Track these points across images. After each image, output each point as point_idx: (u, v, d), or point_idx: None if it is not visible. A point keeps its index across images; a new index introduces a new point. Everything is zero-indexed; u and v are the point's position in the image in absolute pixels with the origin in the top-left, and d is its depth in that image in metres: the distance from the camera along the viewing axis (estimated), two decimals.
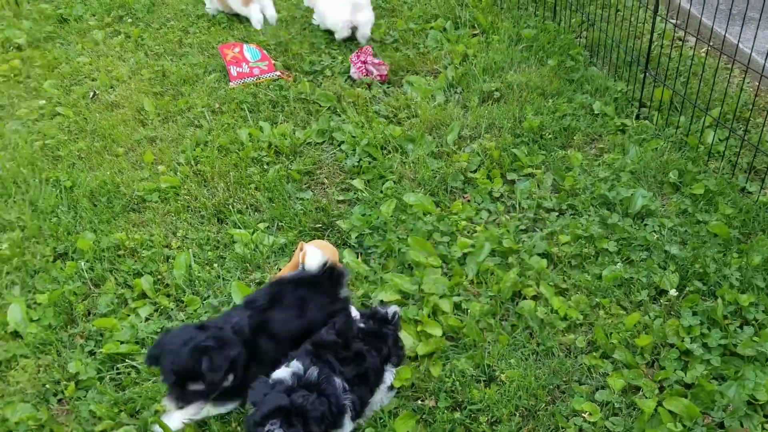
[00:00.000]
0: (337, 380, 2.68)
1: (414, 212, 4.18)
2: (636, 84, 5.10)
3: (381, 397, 3.04)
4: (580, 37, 6.06)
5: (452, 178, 4.46)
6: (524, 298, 3.60)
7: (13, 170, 4.75)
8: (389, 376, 3.03)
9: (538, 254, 3.83)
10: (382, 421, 3.01)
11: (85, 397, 3.27)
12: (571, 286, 3.66)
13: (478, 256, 3.83)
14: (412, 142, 4.82)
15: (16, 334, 3.59)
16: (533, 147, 4.72)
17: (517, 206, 4.23)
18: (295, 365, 2.68)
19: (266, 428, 2.41)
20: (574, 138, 4.79)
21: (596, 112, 5.03)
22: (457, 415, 3.03)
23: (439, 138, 4.89)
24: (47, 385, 3.32)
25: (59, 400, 3.30)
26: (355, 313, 3.11)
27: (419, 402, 3.13)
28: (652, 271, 3.68)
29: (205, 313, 3.69)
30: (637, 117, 4.98)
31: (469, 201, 4.31)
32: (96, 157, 4.91)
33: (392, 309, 3.21)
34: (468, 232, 4.07)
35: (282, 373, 2.66)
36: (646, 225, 4.00)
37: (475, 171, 4.54)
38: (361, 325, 3.00)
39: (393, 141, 4.84)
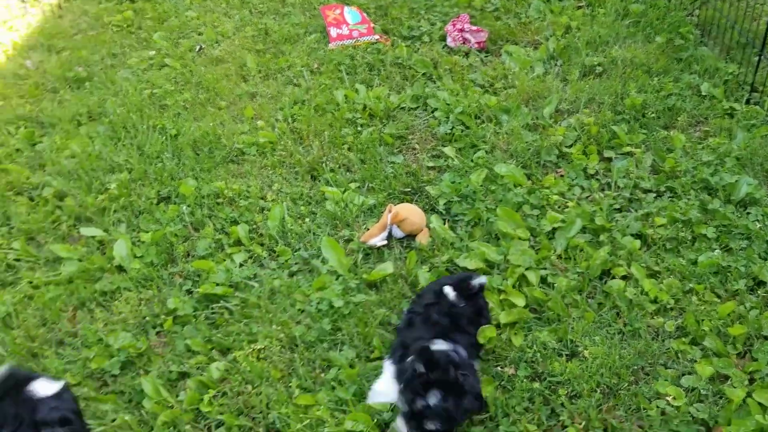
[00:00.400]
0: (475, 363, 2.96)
1: (504, 183, 4.16)
2: (749, 67, 4.84)
3: None
4: (692, 15, 5.78)
5: (546, 151, 4.39)
6: (613, 278, 3.54)
7: (123, 116, 5.01)
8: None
9: (632, 234, 3.74)
10: None
11: (181, 331, 3.47)
12: (664, 269, 3.57)
13: (568, 232, 3.78)
14: (507, 113, 4.77)
15: (120, 269, 3.84)
16: (634, 125, 4.58)
17: (613, 185, 4.13)
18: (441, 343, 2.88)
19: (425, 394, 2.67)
20: (678, 119, 4.61)
21: (704, 93, 4.81)
22: (536, 385, 3.04)
23: (536, 110, 4.81)
24: (147, 318, 3.55)
25: (157, 333, 3.51)
26: (449, 290, 3.17)
27: (498, 369, 3.16)
28: (752, 261, 3.54)
29: (296, 264, 3.83)
30: (747, 102, 4.73)
31: (562, 176, 4.25)
32: (200, 108, 5.11)
33: (481, 279, 3.24)
34: (559, 207, 4.02)
35: (443, 346, 2.85)
36: (748, 213, 3.83)
37: (570, 146, 4.46)
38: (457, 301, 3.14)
39: (487, 110, 4.81)
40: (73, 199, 4.31)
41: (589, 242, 3.74)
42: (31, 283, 3.79)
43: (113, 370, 3.29)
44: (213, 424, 3.06)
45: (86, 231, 4.08)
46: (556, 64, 5.31)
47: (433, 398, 2.67)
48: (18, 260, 3.97)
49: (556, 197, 4.03)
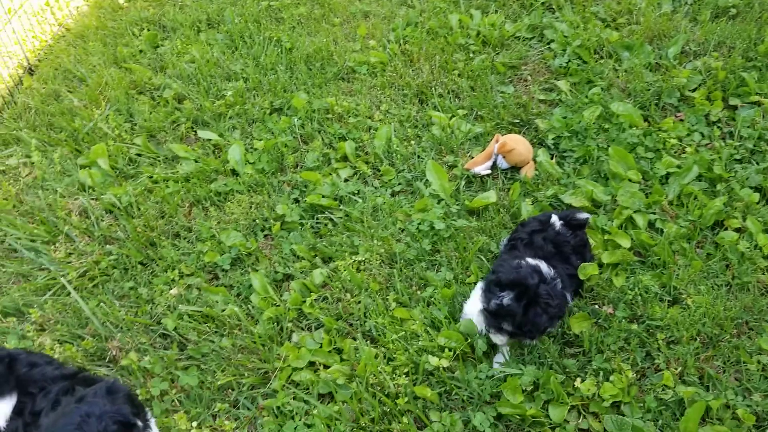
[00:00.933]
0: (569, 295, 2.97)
1: (619, 123, 4.02)
2: None
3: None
4: None
5: (667, 93, 4.20)
6: (726, 229, 3.42)
7: (241, 25, 5.12)
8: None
9: (751, 187, 3.58)
10: None
11: (287, 237, 3.62)
12: None
13: (682, 178, 3.65)
14: (628, 50, 4.56)
15: (234, 172, 4.01)
16: (765, 73, 4.29)
17: (735, 134, 3.92)
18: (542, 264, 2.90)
19: (500, 294, 2.74)
20: None
21: None
22: (633, 326, 3.03)
23: (659, 50, 4.58)
24: (257, 220, 3.72)
25: (265, 235, 3.69)
26: (556, 219, 3.17)
27: (596, 307, 3.15)
28: None
29: (399, 184, 3.89)
30: None
31: (681, 120, 4.06)
32: (314, 23, 5.15)
33: (584, 215, 3.21)
34: (675, 152, 3.87)
35: (534, 261, 2.89)
36: None
37: (694, 90, 4.24)
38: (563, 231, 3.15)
39: (608, 46, 4.61)
40: (191, 103, 4.49)
41: (704, 191, 3.60)
42: (151, 177, 4.03)
43: (224, 265, 3.49)
44: (313, 324, 3.23)
45: (203, 134, 4.26)
46: (686, 3, 4.99)
47: (506, 299, 2.73)
48: (139, 155, 4.21)
49: (673, 141, 3.88)
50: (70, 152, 4.27)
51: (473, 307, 3.02)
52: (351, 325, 3.21)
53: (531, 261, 2.88)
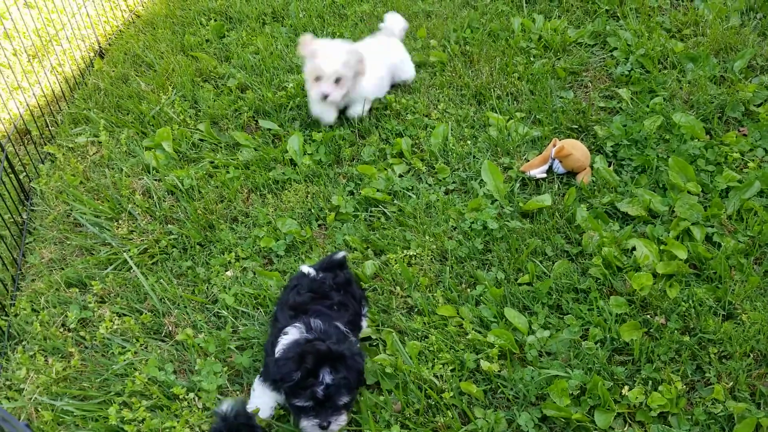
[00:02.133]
0: (339, 324, 2.84)
1: (681, 134, 3.98)
2: None
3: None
4: None
5: (731, 107, 4.13)
6: None
7: (305, 20, 5.22)
8: (365, 321, 3.13)
9: None
10: (608, 323, 3.07)
11: (341, 227, 3.69)
12: None
13: (743, 192, 3.59)
14: (693, 62, 4.50)
15: (292, 162, 4.10)
16: None
17: None
18: (295, 327, 2.78)
19: (319, 377, 2.55)
20: None
21: None
22: (686, 338, 3.00)
23: (725, 63, 4.51)
24: (312, 210, 3.79)
25: (319, 225, 3.76)
26: (306, 269, 3.10)
27: (648, 317, 3.13)
28: None
29: (453, 183, 3.92)
30: None
31: (745, 135, 3.99)
32: (375, 21, 5.21)
33: (340, 254, 3.20)
34: (737, 166, 3.81)
35: (292, 335, 2.75)
36: None
37: (759, 105, 4.16)
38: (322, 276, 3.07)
39: (672, 56, 4.56)
40: (253, 92, 4.61)
41: (765, 207, 3.54)
42: (212, 163, 4.15)
43: (279, 250, 3.58)
44: None
45: (264, 123, 4.37)
46: (756, 17, 4.90)
47: (328, 376, 2.57)
48: (202, 140, 4.33)
49: (735, 156, 3.81)
50: (136, 134, 4.42)
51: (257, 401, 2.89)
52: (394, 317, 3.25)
53: (286, 339, 2.76)
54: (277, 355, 2.72)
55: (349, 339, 2.84)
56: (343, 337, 2.81)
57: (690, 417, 2.76)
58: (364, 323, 3.15)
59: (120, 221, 3.82)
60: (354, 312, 3.03)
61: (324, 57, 4.00)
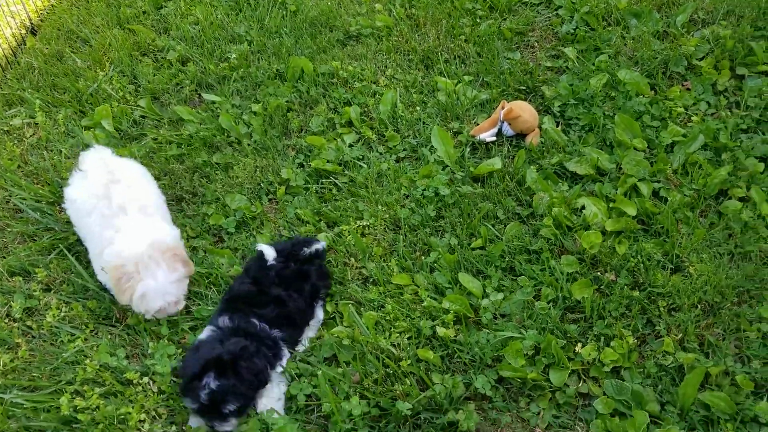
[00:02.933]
0: (255, 320, 2.83)
1: (626, 91, 4.00)
2: None
3: (312, 332, 3.08)
4: None
5: (675, 62, 4.16)
6: (730, 198, 3.42)
7: None
8: (320, 312, 3.10)
9: (756, 157, 3.57)
10: (559, 282, 3.11)
11: (292, 201, 3.63)
12: None
13: (688, 147, 3.64)
14: (636, 18, 4.51)
15: (238, 136, 3.99)
16: None
17: (742, 104, 3.90)
18: (210, 325, 2.85)
19: (203, 382, 2.55)
20: None
21: None
22: (635, 293, 3.05)
23: (668, 18, 4.52)
24: (261, 184, 3.72)
25: (270, 199, 3.70)
26: (270, 253, 3.05)
27: (599, 274, 3.17)
28: None
29: (403, 150, 3.88)
30: None
31: (688, 89, 4.04)
32: None
33: (319, 245, 3.17)
34: (681, 121, 3.86)
35: (204, 332, 2.81)
36: None
37: (701, 59, 4.20)
38: (277, 263, 3.03)
39: (616, 13, 4.56)
40: (195, 65, 4.46)
41: (709, 160, 3.60)
42: (155, 139, 4.02)
43: (229, 228, 3.51)
44: None
45: (207, 96, 4.24)
46: None
47: (212, 382, 2.57)
48: (144, 117, 4.20)
49: (679, 110, 3.86)
50: (74, 113, 4.26)
51: None
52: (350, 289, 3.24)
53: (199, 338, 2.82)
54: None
55: (260, 344, 2.76)
56: (256, 340, 2.75)
57: (642, 370, 2.83)
58: (314, 325, 3.07)
59: (62, 205, 3.68)
60: (295, 310, 2.94)
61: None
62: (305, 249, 3.10)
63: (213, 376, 2.56)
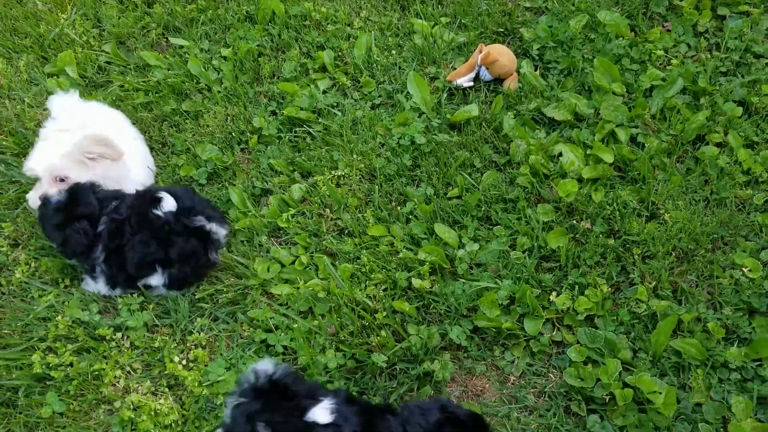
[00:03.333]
0: None
1: (606, 32, 3.91)
2: None
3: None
4: None
5: (656, 2, 4.06)
6: (707, 144, 3.40)
7: None
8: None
9: (734, 101, 3.53)
10: (535, 231, 3.09)
11: (265, 151, 3.55)
12: (763, 140, 3.39)
13: (666, 91, 3.59)
14: None
15: (208, 83, 3.86)
16: None
17: (722, 45, 3.83)
18: None
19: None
20: None
21: None
22: (610, 241, 3.05)
23: None
24: (233, 134, 3.63)
25: (242, 149, 3.61)
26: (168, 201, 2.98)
27: (574, 222, 3.16)
28: None
29: (379, 96, 3.79)
30: None
31: (669, 30, 3.95)
32: None
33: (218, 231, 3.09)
34: (661, 64, 3.79)
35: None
36: None
37: None
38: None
39: None
40: (161, 7, 4.28)
41: (688, 104, 3.56)
42: (122, 87, 3.88)
43: (200, 179, 3.43)
44: (291, 240, 3.22)
45: (175, 40, 4.08)
46: None
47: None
48: (109, 63, 4.04)
49: (659, 53, 3.78)
50: (36, 59, 4.09)
51: None
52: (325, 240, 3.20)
53: None
54: None
55: None
56: None
57: (615, 318, 2.85)
58: None
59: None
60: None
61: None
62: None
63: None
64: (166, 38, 4.15)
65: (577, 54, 3.81)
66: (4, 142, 3.64)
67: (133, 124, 3.65)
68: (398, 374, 2.76)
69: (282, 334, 2.85)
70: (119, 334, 2.88)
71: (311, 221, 3.25)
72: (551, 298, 2.88)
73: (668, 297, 2.90)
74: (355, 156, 3.47)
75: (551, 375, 2.77)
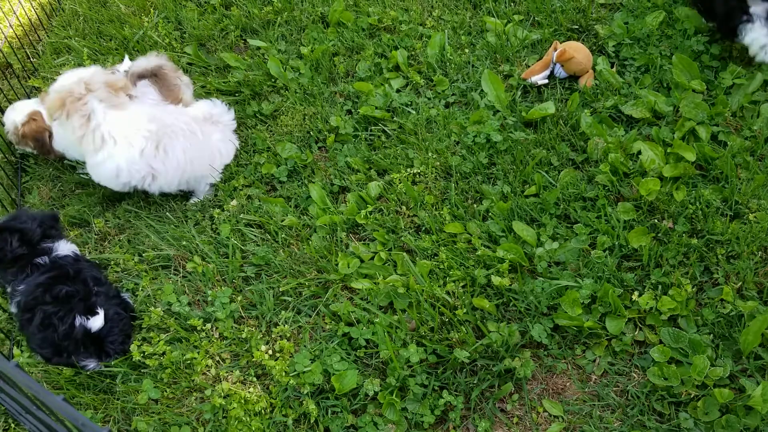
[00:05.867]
0: None
1: (684, 29, 3.85)
2: None
3: None
4: None
5: None
6: None
7: None
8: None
9: None
10: (616, 230, 3.08)
11: (341, 149, 3.63)
12: None
13: (747, 88, 3.51)
14: None
15: (285, 83, 3.97)
16: None
17: None
18: None
19: None
20: None
21: None
22: (693, 241, 3.01)
23: None
24: (311, 132, 3.72)
25: (319, 147, 3.70)
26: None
27: (656, 221, 3.13)
28: None
29: (452, 95, 3.82)
30: None
31: None
32: None
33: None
34: (741, 61, 3.70)
35: None
36: None
37: None
38: None
39: None
40: (239, 9, 4.41)
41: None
42: (203, 87, 4.02)
43: (281, 176, 3.53)
44: (369, 236, 3.28)
45: (252, 42, 4.20)
46: None
47: None
48: (191, 64, 4.19)
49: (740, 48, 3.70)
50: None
51: None
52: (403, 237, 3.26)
53: None
54: None
55: None
56: None
57: (699, 318, 2.81)
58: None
59: None
60: None
61: None
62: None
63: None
64: (244, 40, 4.27)
65: (655, 51, 3.77)
66: None
67: None
68: (479, 370, 2.79)
69: (364, 327, 2.92)
70: (209, 325, 2.99)
71: (388, 218, 3.31)
72: (633, 297, 2.86)
73: (754, 297, 2.85)
74: (430, 154, 3.52)
75: (634, 374, 2.76)
